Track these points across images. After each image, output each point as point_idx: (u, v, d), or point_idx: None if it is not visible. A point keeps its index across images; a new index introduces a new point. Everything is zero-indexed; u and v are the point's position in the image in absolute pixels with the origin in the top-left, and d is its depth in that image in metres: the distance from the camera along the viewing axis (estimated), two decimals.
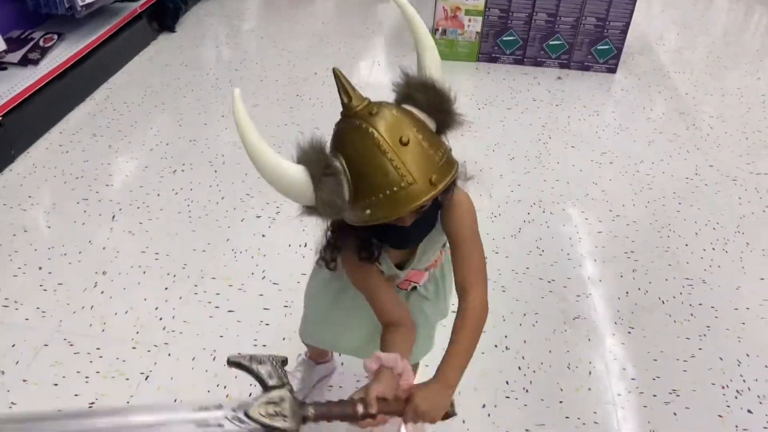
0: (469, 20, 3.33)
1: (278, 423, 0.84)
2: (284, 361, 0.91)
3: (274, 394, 0.87)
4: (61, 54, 2.80)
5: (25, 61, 2.68)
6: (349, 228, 1.02)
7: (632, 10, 3.24)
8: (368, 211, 0.93)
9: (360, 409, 0.90)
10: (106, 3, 3.03)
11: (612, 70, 3.42)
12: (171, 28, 3.59)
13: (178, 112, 2.90)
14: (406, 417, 0.96)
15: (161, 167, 2.52)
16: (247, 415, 0.84)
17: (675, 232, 2.29)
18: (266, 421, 0.84)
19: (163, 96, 3.01)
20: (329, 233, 1.09)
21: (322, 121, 2.82)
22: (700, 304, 1.99)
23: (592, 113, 3.05)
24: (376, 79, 3.26)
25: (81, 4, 2.84)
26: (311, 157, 0.92)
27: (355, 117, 0.94)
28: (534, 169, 2.61)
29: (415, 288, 1.25)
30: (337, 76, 0.96)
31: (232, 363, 0.90)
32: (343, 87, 0.95)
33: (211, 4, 4.03)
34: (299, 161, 0.93)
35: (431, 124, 0.99)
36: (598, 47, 3.35)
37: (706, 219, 2.36)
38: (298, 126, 2.83)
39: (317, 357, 1.67)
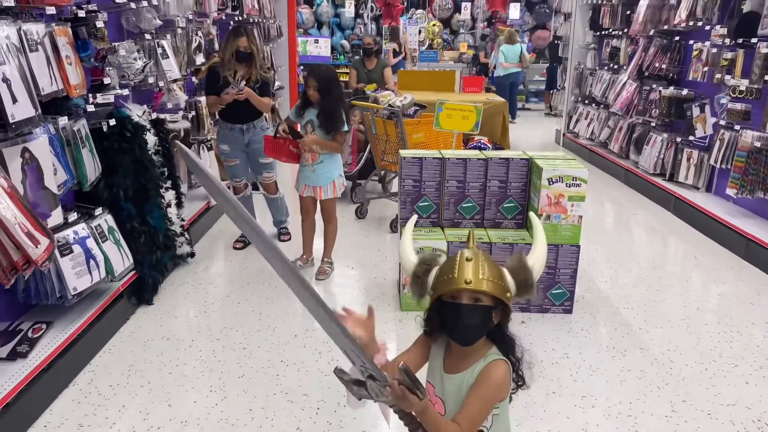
0: (572, 205, 3.59)
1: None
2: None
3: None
4: (50, 343, 2.84)
5: (14, 356, 2.69)
6: (430, 311, 1.63)
7: (578, 258, 3.65)
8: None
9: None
10: (95, 288, 3.15)
11: (568, 311, 3.73)
12: (149, 301, 3.71)
13: (164, 390, 2.89)
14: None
15: None
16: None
17: None
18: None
19: (147, 375, 3.02)
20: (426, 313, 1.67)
21: (311, 387, 2.89)
22: None
23: (562, 356, 3.26)
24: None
25: (72, 293, 2.95)
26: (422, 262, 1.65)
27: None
28: (524, 420, 2.70)
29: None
30: None
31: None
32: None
33: (184, 272, 4.23)
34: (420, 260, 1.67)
35: (512, 285, 1.59)
36: (553, 291, 3.69)
37: None
38: (287, 395, 2.85)
39: None
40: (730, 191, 5.00)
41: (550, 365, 3.15)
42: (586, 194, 3.59)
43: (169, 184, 4.09)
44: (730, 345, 3.39)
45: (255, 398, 2.82)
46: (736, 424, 2.70)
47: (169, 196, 4.08)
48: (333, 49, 13.23)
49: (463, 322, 1.55)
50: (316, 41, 12.79)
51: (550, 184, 3.55)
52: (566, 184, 3.54)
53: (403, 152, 3.90)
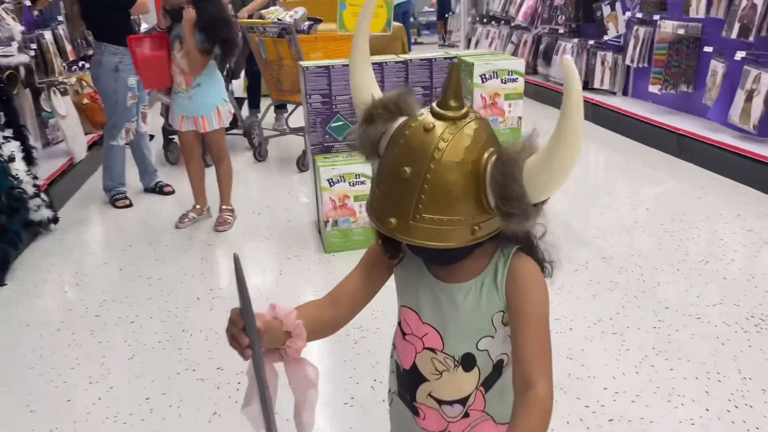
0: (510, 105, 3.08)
1: None
2: None
3: None
4: None
5: None
6: None
7: None
8: None
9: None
10: None
11: None
12: (0, 281, 2.88)
13: (26, 393, 2.15)
14: None
15: None
16: None
17: (675, 390, 1.96)
18: None
19: (0, 373, 2.25)
20: None
21: (225, 358, 2.24)
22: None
23: None
24: (271, 289, 2.77)
25: None
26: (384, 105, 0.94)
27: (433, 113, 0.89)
28: None
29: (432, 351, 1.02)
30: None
31: None
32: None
33: (48, 242, 3.39)
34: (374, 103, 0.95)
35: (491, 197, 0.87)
36: None
37: (702, 370, 2.07)
38: (195, 371, 2.21)
39: None
40: (653, 88, 4.72)
41: None
42: (523, 90, 3.09)
43: (9, 133, 3.21)
44: (695, 242, 3.06)
45: (152, 383, 2.15)
46: (730, 325, 2.34)
47: (12, 147, 3.20)
48: None
49: (422, 258, 1.01)
50: None
51: (483, 82, 3.01)
52: (501, 80, 3.02)
53: (305, 63, 3.23)
